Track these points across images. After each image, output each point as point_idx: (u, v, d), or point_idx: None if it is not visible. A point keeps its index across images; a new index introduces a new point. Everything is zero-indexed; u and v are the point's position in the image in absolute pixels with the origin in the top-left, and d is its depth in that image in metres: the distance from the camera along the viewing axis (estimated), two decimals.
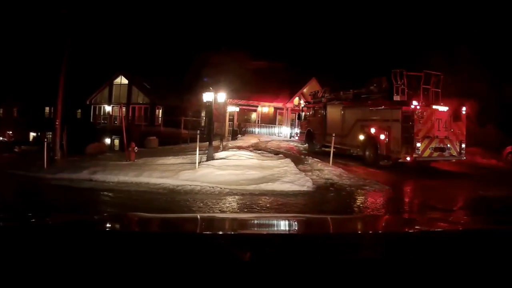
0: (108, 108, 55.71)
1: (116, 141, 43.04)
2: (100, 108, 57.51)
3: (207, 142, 18.86)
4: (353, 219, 5.22)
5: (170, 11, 78.21)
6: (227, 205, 11.78)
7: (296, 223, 3.81)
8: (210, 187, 13.87)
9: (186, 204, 11.85)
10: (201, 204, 11.66)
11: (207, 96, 19.41)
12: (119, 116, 42.41)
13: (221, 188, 13.75)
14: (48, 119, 50.34)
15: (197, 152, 16.57)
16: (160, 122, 50.41)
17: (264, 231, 3.32)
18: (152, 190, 13.89)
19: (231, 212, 10.96)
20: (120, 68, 54.15)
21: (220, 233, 3.00)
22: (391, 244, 2.41)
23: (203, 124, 39.85)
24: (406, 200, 13.68)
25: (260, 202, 12.04)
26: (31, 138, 55.27)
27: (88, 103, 57.96)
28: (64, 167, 18.21)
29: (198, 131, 18.88)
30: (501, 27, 32.68)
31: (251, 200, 12.35)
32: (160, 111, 52.07)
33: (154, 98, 51.74)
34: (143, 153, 21.67)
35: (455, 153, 19.08)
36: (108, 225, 3.06)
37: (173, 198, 12.74)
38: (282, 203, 11.90)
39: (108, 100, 55.64)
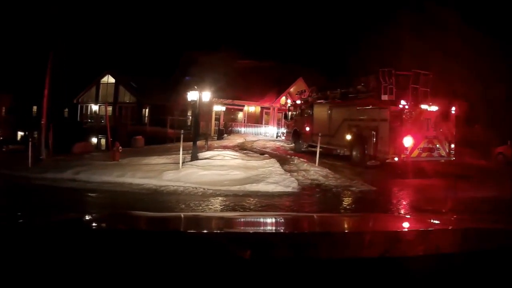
0: (95, 107, 55.92)
1: (103, 141, 42.73)
2: (87, 107, 57.72)
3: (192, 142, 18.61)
4: (338, 217, 5.33)
5: (159, 10, 77.87)
6: (210, 206, 11.72)
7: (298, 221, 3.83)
8: (193, 187, 13.76)
9: (168, 206, 11.77)
10: (183, 206, 11.64)
11: (192, 95, 19.24)
12: (105, 115, 42.17)
13: (204, 189, 13.63)
14: (35, 118, 49.99)
15: (181, 152, 16.49)
16: (146, 121, 50.39)
17: (261, 230, 3.39)
18: (135, 191, 13.78)
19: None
20: (108, 68, 54.33)
21: (219, 231, 2.98)
22: (386, 243, 2.44)
23: (189, 123, 39.82)
24: (394, 201, 13.50)
25: (244, 203, 11.93)
26: (19, 137, 54.83)
27: (75, 102, 58.14)
28: (49, 166, 17.96)
29: (182, 131, 18.67)
30: (489, 27, 32.61)
31: (235, 201, 12.23)
32: (147, 110, 52.15)
33: (140, 97, 51.66)
34: (128, 153, 21.52)
35: (444, 154, 18.99)
36: (86, 225, 2.93)
37: (156, 199, 12.65)
38: (267, 204, 11.84)
39: (95, 99, 55.81)
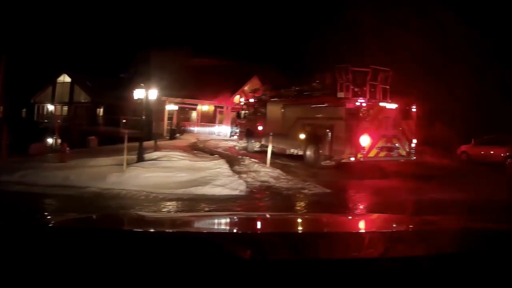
0: (51, 107, 55.55)
1: (59, 141, 41.93)
2: (43, 107, 57.31)
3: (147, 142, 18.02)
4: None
5: (117, 8, 77.27)
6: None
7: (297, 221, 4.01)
8: (136, 191, 12.92)
9: (109, 212, 10.75)
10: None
11: (138, 93, 18.39)
12: (55, 115, 41.53)
13: (147, 192, 12.83)
14: None
15: (125, 153, 15.68)
16: (101, 121, 50.37)
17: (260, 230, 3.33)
18: (77, 195, 12.81)
19: None
20: (65, 67, 54.49)
21: (220, 232, 3.07)
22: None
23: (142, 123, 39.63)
24: (349, 205, 12.82)
25: (187, 208, 11.30)
26: None
27: (32, 102, 57.16)
28: None
29: (127, 131, 17.90)
30: (453, 24, 32.52)
31: (177, 206, 11.50)
32: (101, 110, 52.18)
33: (95, 97, 51.70)
34: (79, 154, 20.60)
35: (404, 153, 18.54)
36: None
37: (96, 204, 11.74)
38: (210, 210, 11.02)
39: (51, 99, 55.71)
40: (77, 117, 51.28)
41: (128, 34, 76.58)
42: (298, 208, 11.95)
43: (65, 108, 57.19)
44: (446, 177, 17.98)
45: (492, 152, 24.20)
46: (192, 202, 11.89)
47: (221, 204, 11.79)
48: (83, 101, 54.01)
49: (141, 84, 18.52)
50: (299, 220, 4.16)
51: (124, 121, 40.40)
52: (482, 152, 24.75)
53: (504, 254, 2.17)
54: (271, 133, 19.26)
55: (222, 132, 42.98)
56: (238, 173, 15.94)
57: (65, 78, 55.02)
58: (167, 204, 11.71)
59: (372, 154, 17.58)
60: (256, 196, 13.00)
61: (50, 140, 43.05)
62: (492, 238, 2.55)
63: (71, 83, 54.36)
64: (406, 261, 2.01)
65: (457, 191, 13.63)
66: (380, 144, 17.77)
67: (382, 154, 17.91)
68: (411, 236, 2.80)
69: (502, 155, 23.44)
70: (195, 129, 43.50)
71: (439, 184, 15.73)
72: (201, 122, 45.65)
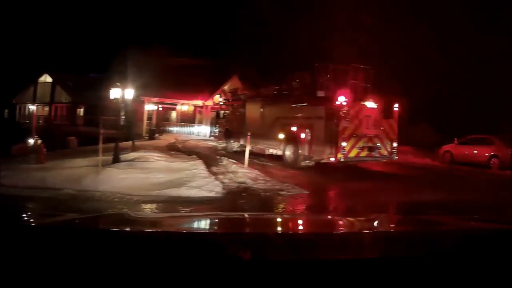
0: (32, 107, 55.47)
1: (38, 142, 41.70)
2: (25, 107, 57.05)
3: (123, 142, 17.82)
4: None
5: (100, 8, 76.90)
6: None
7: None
8: (110, 193, 12.68)
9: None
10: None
11: (114, 93, 18.08)
12: (34, 115, 41.34)
13: (121, 194, 12.55)
14: None
15: (100, 153, 15.54)
16: (81, 121, 50.28)
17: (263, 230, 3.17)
18: (53, 197, 12.56)
19: None
20: (47, 67, 54.46)
21: (220, 232, 3.08)
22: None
23: (122, 123, 39.55)
24: (327, 207, 12.62)
25: (161, 211, 10.98)
26: None
27: (14, 102, 57.00)
28: None
29: (101, 131, 17.59)
30: (437, 23, 32.53)
31: (151, 208, 11.24)
32: (82, 110, 52.14)
33: (76, 97, 51.68)
34: (58, 155, 20.75)
35: (385, 153, 18.30)
36: None
37: (70, 207, 11.40)
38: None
39: (33, 99, 55.32)
40: (58, 118, 51.61)
41: (111, 33, 76.10)
42: (276, 211, 11.72)
43: (47, 108, 57.16)
44: (426, 177, 17.78)
45: (476, 152, 24.06)
46: (167, 204, 11.68)
47: (196, 206, 11.57)
48: (64, 101, 53.80)
49: (117, 84, 18.26)
50: (287, 220, 4.14)
51: (103, 121, 40.38)
52: (466, 152, 24.60)
53: (504, 254, 2.19)
54: (248, 133, 19.01)
55: (202, 132, 42.93)
56: (215, 174, 15.71)
57: (47, 78, 54.93)
58: (141, 206, 11.46)
59: (352, 154, 17.29)
60: (232, 198, 12.72)
61: (31, 141, 42.98)
62: (492, 238, 2.49)
63: (52, 83, 54.19)
64: (402, 261, 2.04)
65: (439, 192, 13.49)
66: (361, 144, 17.49)
67: (363, 154, 17.65)
68: (408, 236, 2.67)
69: (486, 155, 23.33)
70: (175, 129, 43.60)
71: (421, 185, 15.57)
72: (180, 122, 45.70)
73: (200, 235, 2.66)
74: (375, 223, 3.66)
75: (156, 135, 37.46)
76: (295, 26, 44.23)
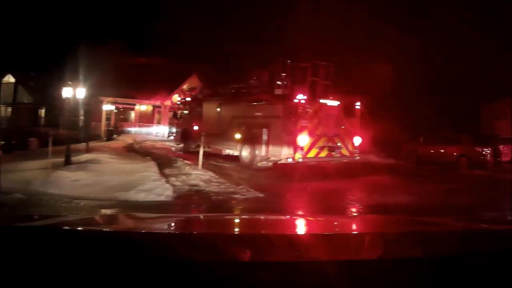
0: None
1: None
2: None
3: (80, 144, 17.44)
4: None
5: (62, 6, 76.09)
6: None
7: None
8: (59, 196, 12.20)
9: None
10: None
11: (66, 92, 17.57)
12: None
13: (69, 198, 12.06)
14: None
15: (49, 155, 15.73)
16: (42, 122, 49.69)
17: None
18: (4, 201, 12.03)
19: None
20: (10, 67, 53.61)
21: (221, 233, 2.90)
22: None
23: (81, 124, 39.35)
24: (282, 211, 12.07)
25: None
26: None
27: None
28: None
29: (51, 132, 17.20)
30: (400, 18, 32.45)
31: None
32: (43, 111, 51.93)
33: (37, 98, 51.51)
34: (16, 157, 19.97)
35: (347, 153, 18.11)
36: None
37: (18, 212, 10.97)
38: None
39: None
40: (20, 118, 50.99)
41: (72, 31, 75.39)
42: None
43: (10, 109, 57.14)
44: (390, 178, 17.45)
45: (443, 151, 23.83)
46: (113, 210, 11.12)
47: (143, 211, 11.16)
48: (26, 102, 53.79)
49: (69, 82, 17.79)
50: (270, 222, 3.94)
51: (63, 121, 40.10)
52: (432, 151, 24.35)
53: (504, 255, 2.17)
54: (203, 133, 18.74)
55: (160, 133, 42.88)
56: (168, 176, 15.45)
57: (10, 79, 54.72)
58: (84, 212, 10.85)
59: (311, 154, 16.99)
60: (182, 203, 12.36)
61: None
62: (491, 239, 2.46)
63: (15, 84, 54.18)
64: (396, 262, 2.00)
65: (403, 193, 13.14)
66: (321, 143, 17.22)
67: (323, 154, 17.35)
68: (401, 238, 2.53)
69: (455, 154, 22.94)
70: (133, 129, 43.81)
71: (382, 186, 15.19)
72: (139, 122, 45.86)
73: (202, 235, 2.58)
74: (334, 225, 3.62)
75: (114, 135, 37.35)
76: (257, 23, 44.10)
